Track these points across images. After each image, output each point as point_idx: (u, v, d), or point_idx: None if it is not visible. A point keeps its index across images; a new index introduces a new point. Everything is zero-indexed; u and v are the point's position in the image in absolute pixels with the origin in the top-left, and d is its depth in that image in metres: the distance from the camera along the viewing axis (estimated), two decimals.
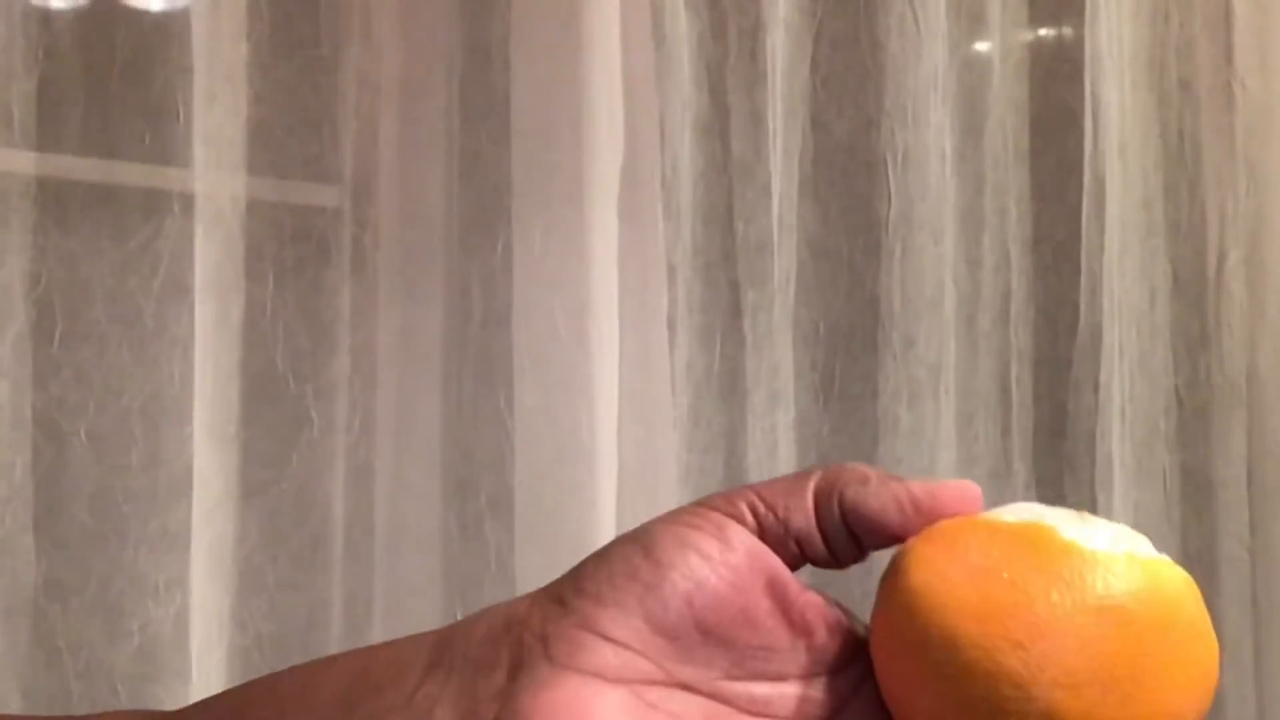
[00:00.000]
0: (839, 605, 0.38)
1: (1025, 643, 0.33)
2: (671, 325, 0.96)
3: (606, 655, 0.35)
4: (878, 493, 0.37)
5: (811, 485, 0.38)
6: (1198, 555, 1.20)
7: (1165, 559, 0.35)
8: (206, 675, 0.79)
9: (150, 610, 0.78)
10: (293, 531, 0.88)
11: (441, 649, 0.37)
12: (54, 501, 0.79)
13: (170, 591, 0.78)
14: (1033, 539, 0.34)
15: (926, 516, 0.37)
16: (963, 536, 0.35)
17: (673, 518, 0.37)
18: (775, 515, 0.37)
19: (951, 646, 0.34)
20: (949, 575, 0.34)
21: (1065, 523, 0.35)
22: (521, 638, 0.36)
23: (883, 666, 0.36)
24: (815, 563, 0.38)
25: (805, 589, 0.37)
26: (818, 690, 0.37)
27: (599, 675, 0.35)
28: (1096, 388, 1.12)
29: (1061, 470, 1.14)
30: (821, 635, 0.37)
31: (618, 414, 0.89)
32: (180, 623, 0.78)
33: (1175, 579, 0.35)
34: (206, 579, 0.80)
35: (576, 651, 0.35)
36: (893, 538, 0.37)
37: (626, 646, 0.36)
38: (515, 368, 0.88)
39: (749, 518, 0.37)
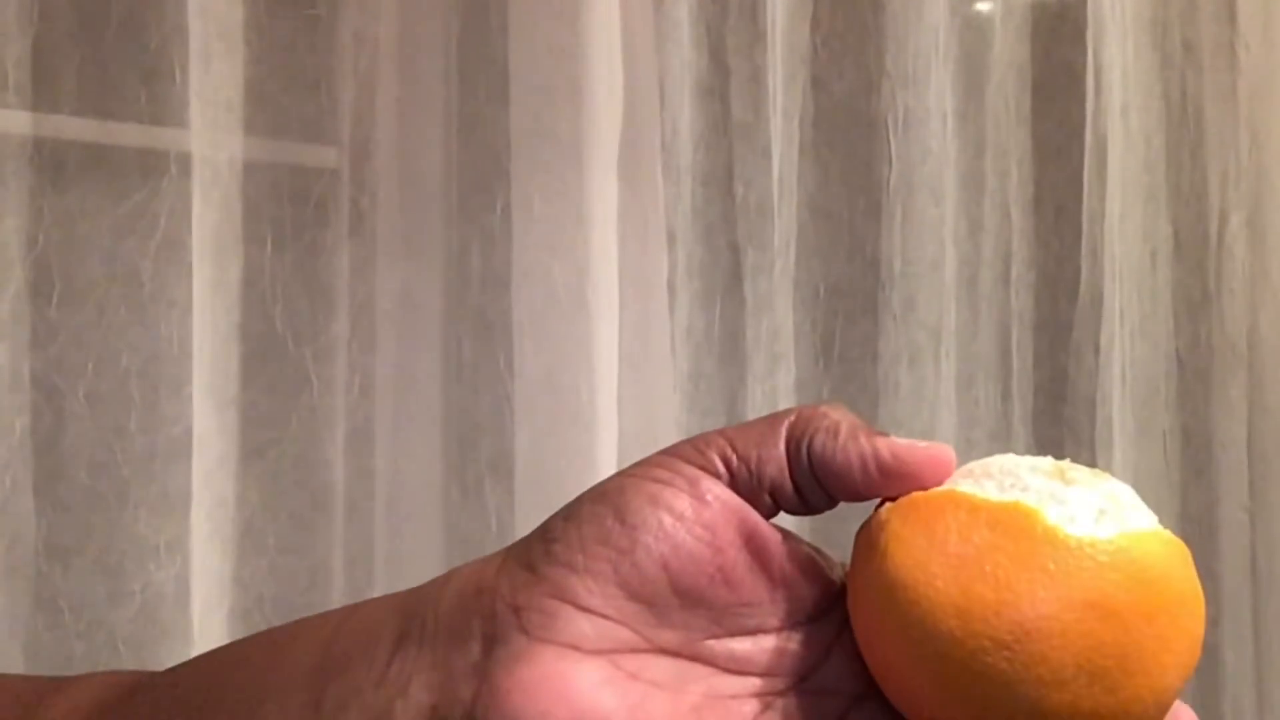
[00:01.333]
0: (815, 549, 0.37)
1: (1011, 643, 0.33)
2: (671, 288, 0.95)
3: (582, 626, 0.34)
4: (844, 448, 0.36)
5: (783, 432, 0.36)
6: (1198, 518, 1.20)
7: (1151, 528, 0.35)
8: (208, 636, 0.79)
9: (151, 572, 0.78)
10: (293, 493, 0.88)
11: (410, 617, 0.36)
12: (53, 463, 0.79)
13: (171, 553, 0.78)
14: (1014, 525, 0.34)
15: (891, 479, 0.36)
16: (942, 517, 0.34)
17: (643, 472, 0.36)
18: (748, 467, 0.36)
19: (934, 643, 0.33)
20: (930, 566, 0.34)
21: (1046, 498, 0.34)
22: (493, 608, 0.35)
23: (863, 640, 0.36)
24: (788, 510, 0.37)
25: (782, 539, 0.36)
26: (798, 641, 0.37)
27: (576, 647, 0.34)
28: (1097, 350, 1.12)
29: (1062, 433, 1.14)
30: (800, 585, 0.36)
31: (617, 376, 0.89)
32: (181, 584, 0.79)
33: (1161, 555, 0.34)
34: (207, 541, 0.80)
35: (551, 623, 0.34)
36: (857, 495, 0.36)
37: (602, 616, 0.35)
38: (515, 330, 0.88)
39: (720, 468, 0.36)
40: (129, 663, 0.77)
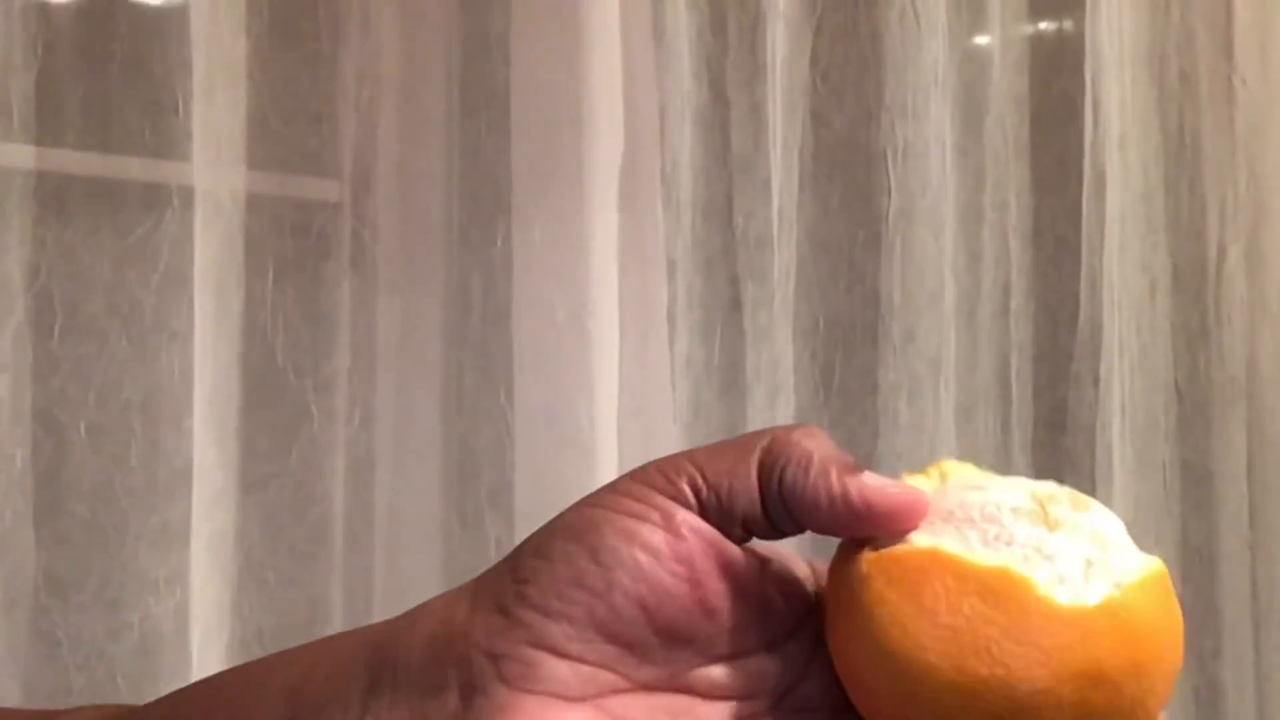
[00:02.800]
0: (787, 565, 0.37)
1: (1005, 715, 0.33)
2: (671, 319, 0.96)
3: (563, 674, 0.34)
4: (813, 484, 0.35)
5: (755, 462, 0.35)
6: (1197, 549, 1.20)
7: (1136, 576, 0.34)
8: (206, 669, 0.79)
9: (150, 605, 0.78)
10: (293, 525, 0.88)
11: (380, 664, 0.35)
12: (54, 496, 0.79)
13: (170, 586, 0.78)
14: (1004, 594, 0.33)
15: (860, 522, 0.35)
16: (929, 583, 0.34)
17: (615, 504, 0.35)
18: (718, 497, 0.35)
19: (925, 714, 0.33)
20: (920, 638, 0.33)
21: (1033, 554, 0.34)
22: (468, 655, 0.34)
23: (851, 689, 0.35)
24: (761, 537, 0.36)
25: (758, 562, 0.36)
26: (776, 661, 0.36)
27: (559, 696, 0.34)
28: (1096, 382, 1.12)
29: (1061, 464, 1.14)
30: (778, 603, 0.36)
31: (617, 408, 0.89)
32: (180, 617, 0.78)
33: (1149, 608, 0.34)
34: (206, 573, 0.80)
35: (531, 672, 0.34)
36: (828, 531, 0.36)
37: (583, 661, 0.34)
38: (515, 361, 0.88)
39: (691, 498, 0.35)
40: (127, 696, 0.77)
